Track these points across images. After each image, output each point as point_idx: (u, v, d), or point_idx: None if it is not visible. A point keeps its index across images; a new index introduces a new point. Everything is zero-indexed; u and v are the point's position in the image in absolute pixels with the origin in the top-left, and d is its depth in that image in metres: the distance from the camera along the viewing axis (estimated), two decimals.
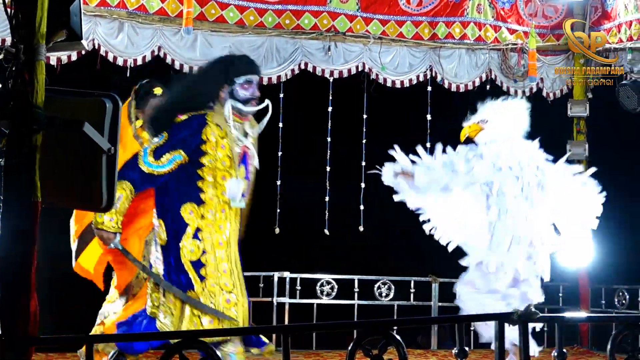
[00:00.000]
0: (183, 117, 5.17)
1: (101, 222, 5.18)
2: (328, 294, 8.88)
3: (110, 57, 8.25)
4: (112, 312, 5.66)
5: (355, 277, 8.96)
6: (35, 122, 3.29)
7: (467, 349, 3.16)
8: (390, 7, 9.21)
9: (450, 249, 6.44)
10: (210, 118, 5.20)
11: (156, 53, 8.46)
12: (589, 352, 8.97)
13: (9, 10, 3.43)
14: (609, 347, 3.13)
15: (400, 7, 9.23)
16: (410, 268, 9.17)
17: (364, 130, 8.98)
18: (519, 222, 6.24)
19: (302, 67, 9.00)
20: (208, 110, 5.22)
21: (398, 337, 3.06)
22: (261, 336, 5.28)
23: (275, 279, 8.73)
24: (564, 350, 3.09)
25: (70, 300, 8.67)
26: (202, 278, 5.06)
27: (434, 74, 9.36)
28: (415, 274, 9.09)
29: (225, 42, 8.67)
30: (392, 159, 6.39)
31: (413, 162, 6.33)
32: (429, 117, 9.14)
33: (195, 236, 5.10)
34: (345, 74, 9.07)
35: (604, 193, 6.60)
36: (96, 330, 5.72)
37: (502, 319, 3.11)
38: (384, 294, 9.06)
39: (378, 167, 6.43)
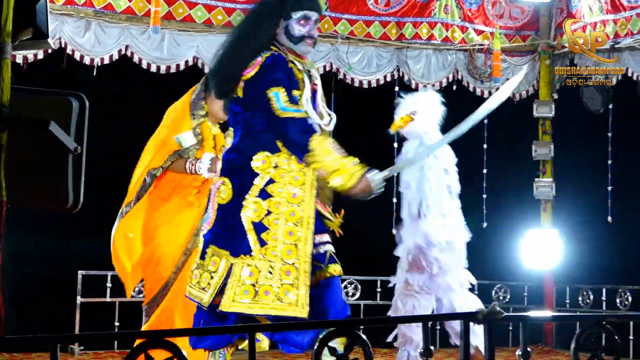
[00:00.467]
0: (258, 60, 4.60)
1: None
2: None
3: (77, 56, 8.21)
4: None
5: None
6: (0, 120, 3.27)
7: (432, 347, 3.19)
8: (358, 7, 9.25)
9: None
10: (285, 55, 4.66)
11: (123, 52, 8.43)
12: (553, 350, 9.08)
13: None
14: (572, 345, 3.11)
15: (369, 7, 9.27)
16: (377, 267, 9.22)
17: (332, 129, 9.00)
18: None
19: None
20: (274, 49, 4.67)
21: (364, 336, 3.08)
22: None
23: None
24: (529, 349, 3.11)
25: (37, 300, 8.63)
26: (262, 243, 4.49)
27: (401, 74, 9.40)
28: (383, 273, 9.13)
29: (193, 41, 8.66)
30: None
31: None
32: (396, 116, 9.17)
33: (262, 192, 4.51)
34: None
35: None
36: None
37: (467, 318, 3.11)
38: (350, 293, 9.09)
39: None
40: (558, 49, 9.57)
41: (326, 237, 4.68)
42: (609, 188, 9.27)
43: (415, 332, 6.43)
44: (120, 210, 5.83)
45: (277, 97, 4.53)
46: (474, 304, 6.46)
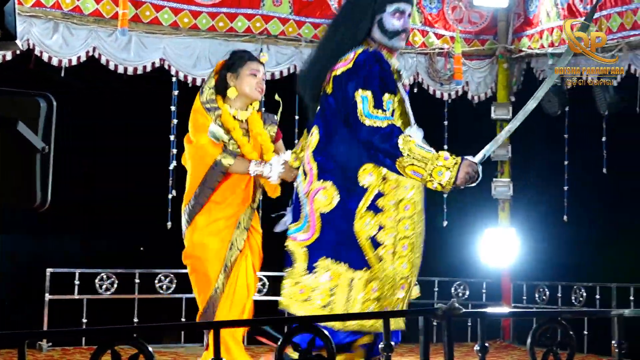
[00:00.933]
0: (350, 56, 4.31)
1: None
2: (259, 291, 8.99)
3: (45, 57, 8.30)
4: None
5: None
6: None
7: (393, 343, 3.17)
8: (322, 10, 9.37)
9: None
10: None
11: (91, 53, 8.51)
12: (510, 346, 9.21)
13: None
14: (529, 341, 3.14)
15: (332, 11, 9.38)
16: None
17: (296, 130, 9.13)
18: None
19: None
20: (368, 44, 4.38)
21: (326, 332, 3.08)
22: None
23: None
24: (487, 344, 3.14)
25: (5, 298, 8.70)
26: (380, 258, 4.22)
27: None
28: None
29: (160, 43, 8.76)
30: None
31: None
32: None
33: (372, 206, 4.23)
34: (277, 76, 9.19)
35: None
36: None
37: (427, 314, 3.12)
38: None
39: None
40: (515, 52, 9.76)
41: None
42: (565, 188, 9.40)
43: None
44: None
45: (365, 101, 4.22)
46: None
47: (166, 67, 8.80)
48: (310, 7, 9.33)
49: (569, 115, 9.42)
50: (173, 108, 8.91)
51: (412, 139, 4.20)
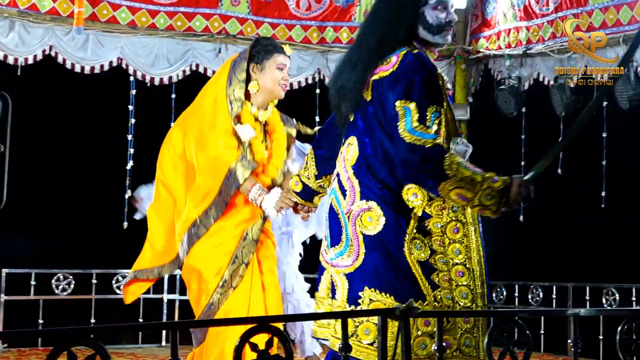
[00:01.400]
0: (393, 59, 3.79)
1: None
2: None
3: (0, 56, 8.24)
4: None
5: None
6: None
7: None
8: (280, 11, 9.40)
9: None
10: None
11: (47, 52, 8.47)
12: None
13: None
14: (485, 340, 3.09)
15: (290, 11, 9.43)
16: None
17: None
18: None
19: (194, 68, 9.11)
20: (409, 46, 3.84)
21: (285, 332, 3.08)
22: None
23: (166, 276, 8.78)
24: (444, 343, 3.16)
25: None
26: (434, 286, 3.71)
27: (322, 77, 9.58)
28: None
29: (117, 42, 8.74)
30: None
31: None
32: (317, 118, 9.33)
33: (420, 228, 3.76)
34: None
35: None
36: None
37: (384, 314, 3.07)
38: None
39: None
40: (473, 53, 9.84)
41: None
42: None
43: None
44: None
45: (408, 113, 3.68)
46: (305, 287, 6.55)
47: (124, 66, 8.77)
48: (268, 7, 9.35)
49: (525, 116, 9.50)
50: (131, 107, 8.87)
51: (458, 157, 3.73)
